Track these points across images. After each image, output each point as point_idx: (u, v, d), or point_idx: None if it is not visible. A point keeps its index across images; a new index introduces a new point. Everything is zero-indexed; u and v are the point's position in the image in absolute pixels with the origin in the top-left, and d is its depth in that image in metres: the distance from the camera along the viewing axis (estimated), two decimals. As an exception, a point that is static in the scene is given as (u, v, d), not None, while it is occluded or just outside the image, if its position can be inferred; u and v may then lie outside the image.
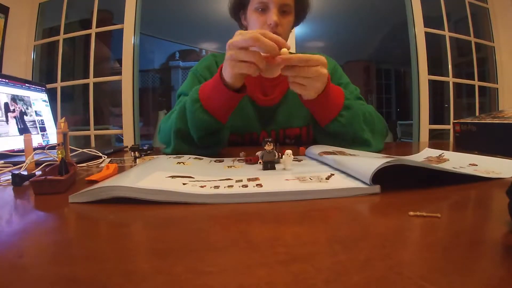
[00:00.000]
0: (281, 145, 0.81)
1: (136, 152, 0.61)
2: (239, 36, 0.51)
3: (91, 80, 1.89)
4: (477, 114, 1.91)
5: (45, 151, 0.53)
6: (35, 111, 0.86)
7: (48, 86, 1.00)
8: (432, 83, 1.94)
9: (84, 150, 0.67)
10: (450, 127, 1.75)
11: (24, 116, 0.81)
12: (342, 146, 0.59)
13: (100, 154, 0.65)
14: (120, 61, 1.89)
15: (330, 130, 0.63)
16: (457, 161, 0.45)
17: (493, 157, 0.46)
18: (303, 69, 0.53)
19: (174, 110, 0.70)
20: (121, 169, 0.47)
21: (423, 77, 1.91)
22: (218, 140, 0.63)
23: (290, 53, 0.53)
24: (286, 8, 0.76)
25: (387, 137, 0.76)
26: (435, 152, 0.53)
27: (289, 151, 0.42)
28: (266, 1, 0.75)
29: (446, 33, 1.99)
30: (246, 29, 0.85)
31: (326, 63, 0.55)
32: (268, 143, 0.42)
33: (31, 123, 0.83)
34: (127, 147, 0.88)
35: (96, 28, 1.88)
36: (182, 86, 0.82)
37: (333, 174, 0.37)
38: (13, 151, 0.69)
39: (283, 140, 0.86)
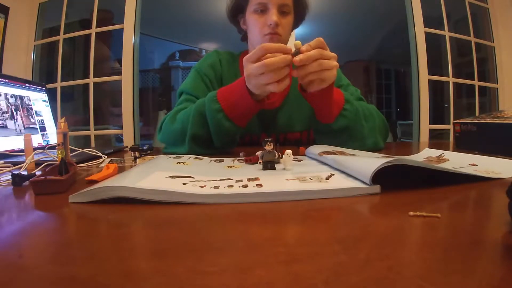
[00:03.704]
0: (281, 145, 0.81)
1: (136, 152, 0.61)
2: (248, 56, 0.55)
3: (91, 80, 1.89)
4: (477, 114, 1.91)
5: (45, 151, 0.53)
6: (35, 111, 0.86)
7: (48, 86, 1.00)
8: (432, 83, 1.94)
9: (84, 150, 0.67)
10: (450, 127, 1.75)
11: (24, 116, 0.81)
12: (342, 144, 0.61)
13: (100, 154, 0.65)
14: (120, 61, 1.89)
15: (335, 127, 0.63)
16: (457, 161, 0.45)
17: (493, 157, 0.46)
18: (323, 62, 0.53)
19: (179, 110, 0.70)
20: (121, 169, 0.47)
21: (423, 77, 1.91)
22: (234, 141, 0.67)
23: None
24: (285, 9, 0.76)
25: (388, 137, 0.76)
26: (435, 152, 0.53)
27: (289, 151, 0.42)
28: (265, 2, 0.74)
29: (446, 33, 1.99)
30: (245, 33, 0.85)
31: (336, 56, 0.56)
32: (268, 143, 0.42)
33: (31, 123, 0.83)
34: (127, 147, 0.88)
35: (96, 28, 1.88)
36: (184, 83, 0.82)
37: (333, 174, 0.37)
38: (13, 151, 0.69)
39: (283, 143, 0.86)
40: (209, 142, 0.64)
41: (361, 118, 0.64)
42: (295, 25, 0.86)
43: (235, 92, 0.61)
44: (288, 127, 0.85)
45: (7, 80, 0.78)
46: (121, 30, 1.84)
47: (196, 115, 0.63)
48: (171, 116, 0.70)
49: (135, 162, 0.57)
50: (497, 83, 2.10)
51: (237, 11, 0.83)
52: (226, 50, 0.91)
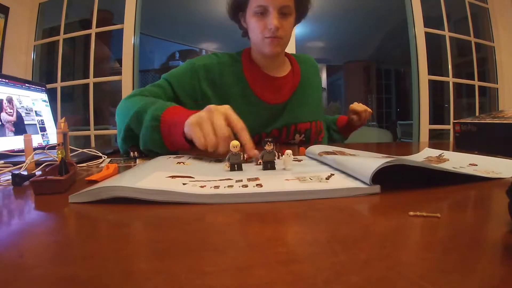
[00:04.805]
0: (282, 145, 0.81)
1: (136, 152, 0.61)
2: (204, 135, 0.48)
3: (91, 80, 1.89)
4: (477, 114, 1.91)
5: (45, 151, 0.53)
6: (35, 111, 0.86)
7: (48, 86, 1.00)
8: (432, 83, 1.94)
9: (84, 150, 0.66)
10: (450, 127, 1.75)
11: (24, 116, 0.81)
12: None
13: (100, 154, 0.65)
14: (120, 61, 1.89)
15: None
16: (457, 161, 0.45)
17: (493, 157, 0.46)
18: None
19: (148, 90, 0.74)
20: (121, 169, 0.47)
21: (423, 77, 1.91)
22: (163, 153, 0.58)
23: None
24: (286, 10, 0.75)
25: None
26: (435, 152, 0.53)
27: (289, 151, 0.42)
28: (265, 5, 0.73)
29: (446, 33, 1.99)
30: (246, 31, 0.85)
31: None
32: (268, 143, 0.42)
33: (31, 123, 0.83)
34: (127, 147, 0.88)
35: (96, 28, 1.88)
36: (172, 72, 0.80)
37: (333, 174, 0.37)
38: (13, 151, 0.69)
39: (294, 136, 0.87)
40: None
41: None
42: (296, 22, 0.86)
43: (179, 118, 0.54)
44: (297, 118, 0.87)
45: (7, 80, 0.78)
46: (121, 30, 1.84)
47: (138, 113, 0.59)
48: (136, 91, 0.72)
49: (135, 162, 0.57)
50: (497, 83, 2.10)
51: (237, 9, 0.83)
52: (224, 52, 0.90)
